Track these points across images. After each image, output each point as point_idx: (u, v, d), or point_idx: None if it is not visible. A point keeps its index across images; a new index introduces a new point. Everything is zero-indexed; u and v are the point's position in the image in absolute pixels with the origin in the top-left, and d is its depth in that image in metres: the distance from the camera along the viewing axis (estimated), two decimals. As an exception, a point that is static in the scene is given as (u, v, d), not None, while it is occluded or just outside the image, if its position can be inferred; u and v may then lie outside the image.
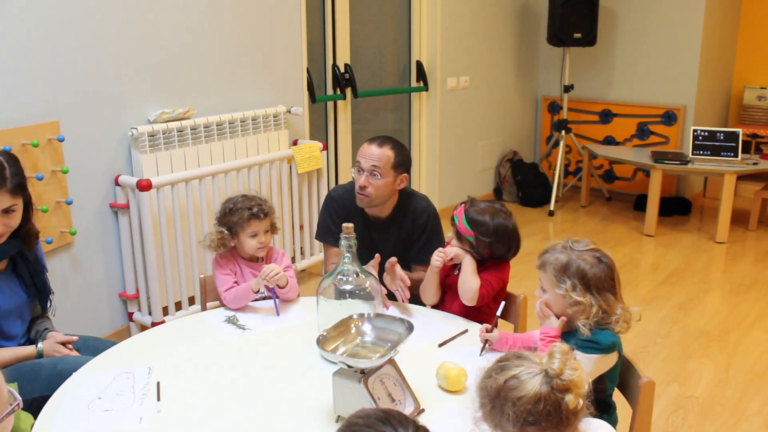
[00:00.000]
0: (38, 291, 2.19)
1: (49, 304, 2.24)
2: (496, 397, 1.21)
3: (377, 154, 2.35)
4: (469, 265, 2.10)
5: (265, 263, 2.30)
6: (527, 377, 1.20)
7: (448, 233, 2.22)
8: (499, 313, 1.98)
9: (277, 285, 2.17)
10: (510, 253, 2.17)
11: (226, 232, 2.24)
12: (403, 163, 2.40)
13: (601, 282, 1.70)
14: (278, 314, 2.15)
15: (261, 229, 2.24)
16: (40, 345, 2.06)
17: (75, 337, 2.11)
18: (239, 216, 2.22)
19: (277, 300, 2.18)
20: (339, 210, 2.50)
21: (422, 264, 2.39)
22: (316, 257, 4.12)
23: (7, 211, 1.97)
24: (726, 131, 5.01)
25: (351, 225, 1.79)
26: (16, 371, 1.94)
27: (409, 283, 2.20)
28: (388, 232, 2.46)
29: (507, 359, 1.26)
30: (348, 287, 1.77)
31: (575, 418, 1.21)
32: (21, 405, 1.33)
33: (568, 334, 1.76)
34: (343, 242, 1.78)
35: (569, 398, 1.19)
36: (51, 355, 2.04)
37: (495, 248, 2.12)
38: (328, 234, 2.54)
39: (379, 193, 2.37)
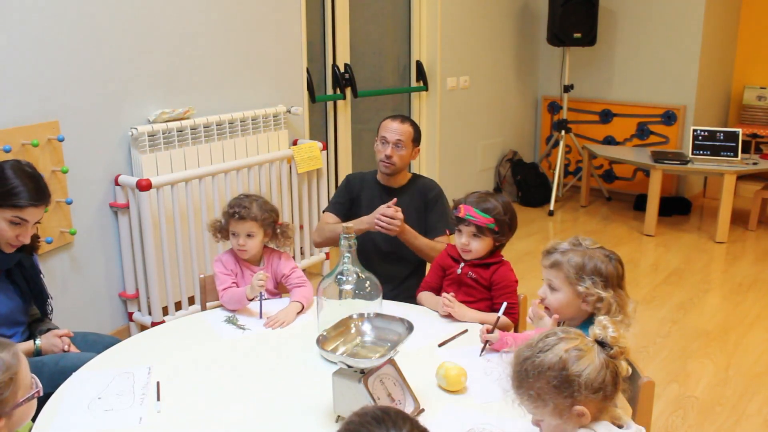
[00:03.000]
0: (35, 296, 2.19)
1: (48, 308, 2.24)
2: (563, 369, 1.25)
3: (401, 129, 2.70)
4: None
5: (267, 266, 2.31)
6: (587, 348, 1.27)
7: (462, 238, 2.18)
8: (500, 313, 1.98)
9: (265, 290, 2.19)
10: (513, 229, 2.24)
11: (222, 222, 2.33)
12: (418, 137, 2.77)
13: (615, 279, 1.75)
14: (261, 317, 2.15)
15: (241, 231, 2.26)
16: (38, 341, 2.06)
17: (71, 333, 2.11)
18: (227, 213, 2.30)
19: (263, 303, 2.17)
20: (354, 181, 2.81)
21: (438, 234, 2.65)
22: (315, 257, 4.12)
23: (38, 221, 2.04)
24: (726, 131, 5.01)
25: (351, 225, 1.79)
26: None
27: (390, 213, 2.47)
28: (402, 199, 2.65)
29: (548, 336, 1.31)
30: (348, 287, 1.77)
31: (620, 387, 1.29)
32: (41, 392, 1.35)
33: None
34: (342, 242, 1.78)
35: (623, 364, 1.28)
36: (49, 350, 2.05)
37: (512, 224, 2.20)
38: (334, 204, 2.80)
39: (402, 163, 2.72)
